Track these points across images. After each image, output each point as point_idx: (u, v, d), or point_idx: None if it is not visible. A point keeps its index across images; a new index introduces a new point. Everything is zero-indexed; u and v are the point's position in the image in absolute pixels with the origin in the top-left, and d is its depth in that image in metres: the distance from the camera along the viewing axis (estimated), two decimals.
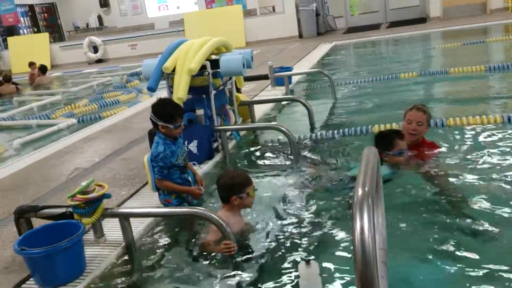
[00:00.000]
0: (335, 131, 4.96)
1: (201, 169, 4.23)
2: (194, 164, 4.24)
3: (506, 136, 4.14)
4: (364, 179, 1.64)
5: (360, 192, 1.55)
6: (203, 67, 4.47)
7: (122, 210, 3.25)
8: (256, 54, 12.37)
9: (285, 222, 3.13)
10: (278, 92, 7.20)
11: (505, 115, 4.46)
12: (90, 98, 9.41)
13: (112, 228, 3.17)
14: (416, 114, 3.64)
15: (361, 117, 5.70)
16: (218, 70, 4.63)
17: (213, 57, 4.78)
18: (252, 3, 15.43)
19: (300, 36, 14.48)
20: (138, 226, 3.21)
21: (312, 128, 5.28)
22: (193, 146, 4.45)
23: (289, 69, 7.61)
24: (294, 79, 7.90)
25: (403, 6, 14.45)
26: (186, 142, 4.23)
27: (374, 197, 1.55)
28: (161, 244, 3.09)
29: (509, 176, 3.30)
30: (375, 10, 14.80)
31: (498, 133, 4.24)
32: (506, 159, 3.58)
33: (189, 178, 3.54)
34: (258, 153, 4.77)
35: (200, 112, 4.55)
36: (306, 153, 4.53)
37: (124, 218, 2.99)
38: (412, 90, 6.67)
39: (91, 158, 5.21)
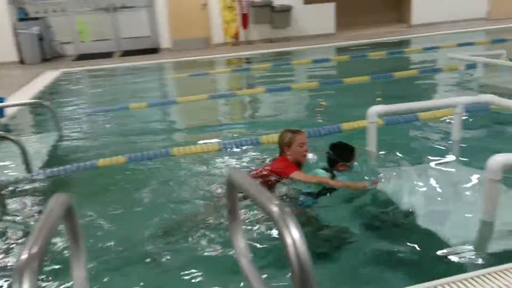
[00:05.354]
0: (55, 169, 4.50)
1: None
2: None
3: (222, 161, 4.50)
4: (36, 240, 1.36)
5: (24, 256, 1.27)
6: None
7: None
8: None
9: None
10: None
11: (221, 142, 4.86)
12: None
13: None
14: (304, 137, 3.68)
15: (88, 151, 5.37)
16: None
17: None
18: None
19: (22, 61, 13.04)
20: None
21: (28, 168, 4.63)
22: None
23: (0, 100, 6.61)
24: (8, 111, 6.89)
25: (135, 36, 14.67)
26: None
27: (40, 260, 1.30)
28: None
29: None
30: (107, 38, 14.58)
31: (216, 160, 4.57)
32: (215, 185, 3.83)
33: None
34: None
35: None
36: (19, 198, 3.93)
37: None
38: (142, 120, 6.68)
39: None
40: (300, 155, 3.66)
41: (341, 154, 3.63)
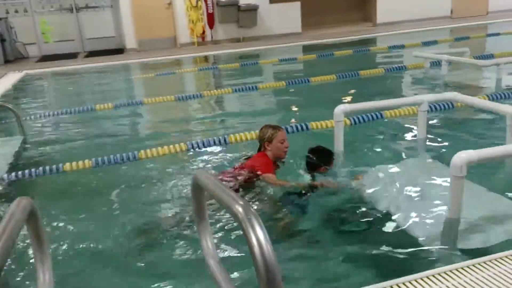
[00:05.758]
0: (20, 173, 4.40)
1: None
2: None
3: (190, 162, 4.49)
4: None
5: None
6: None
7: None
8: None
9: None
10: None
11: (189, 143, 4.84)
12: None
13: None
14: (284, 133, 3.74)
15: (54, 154, 5.28)
16: None
17: None
18: None
19: None
20: None
21: None
22: None
23: None
24: None
25: (100, 36, 14.37)
26: None
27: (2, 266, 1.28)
28: None
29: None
30: (71, 39, 14.24)
31: (185, 161, 4.55)
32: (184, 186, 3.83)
33: None
34: None
35: None
36: None
37: None
38: (109, 122, 6.58)
39: None
40: (280, 151, 3.70)
41: (320, 158, 3.66)
